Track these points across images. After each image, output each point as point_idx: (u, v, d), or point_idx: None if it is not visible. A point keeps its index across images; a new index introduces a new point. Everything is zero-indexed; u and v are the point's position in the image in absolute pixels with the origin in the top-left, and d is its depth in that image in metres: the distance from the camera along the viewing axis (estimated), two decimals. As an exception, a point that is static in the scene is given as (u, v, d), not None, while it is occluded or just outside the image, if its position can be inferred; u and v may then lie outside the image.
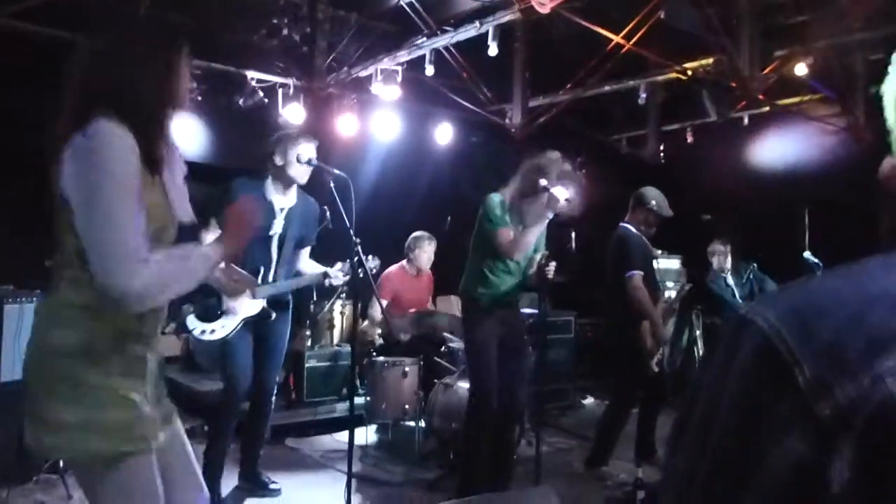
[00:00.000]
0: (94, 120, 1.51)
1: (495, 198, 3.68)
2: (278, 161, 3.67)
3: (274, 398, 4.03)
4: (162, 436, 1.67)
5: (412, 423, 4.71)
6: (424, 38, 5.63)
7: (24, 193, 1.59)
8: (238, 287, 3.40)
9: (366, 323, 5.62)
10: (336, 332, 5.89)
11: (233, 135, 6.37)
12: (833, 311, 0.52)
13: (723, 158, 7.38)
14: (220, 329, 3.59)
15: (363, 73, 6.22)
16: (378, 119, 6.67)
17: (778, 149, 7.02)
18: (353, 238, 3.32)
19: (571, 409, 6.32)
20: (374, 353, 5.10)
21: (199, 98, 5.83)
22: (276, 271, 3.73)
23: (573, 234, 4.15)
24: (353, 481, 3.40)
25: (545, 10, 4.67)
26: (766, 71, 5.60)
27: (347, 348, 5.57)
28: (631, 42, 5.49)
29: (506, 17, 5.14)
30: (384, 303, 4.94)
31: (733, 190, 6.87)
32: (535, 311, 4.85)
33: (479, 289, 3.73)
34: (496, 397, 3.65)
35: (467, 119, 7.25)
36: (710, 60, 5.75)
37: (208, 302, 3.57)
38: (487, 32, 5.24)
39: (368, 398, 4.87)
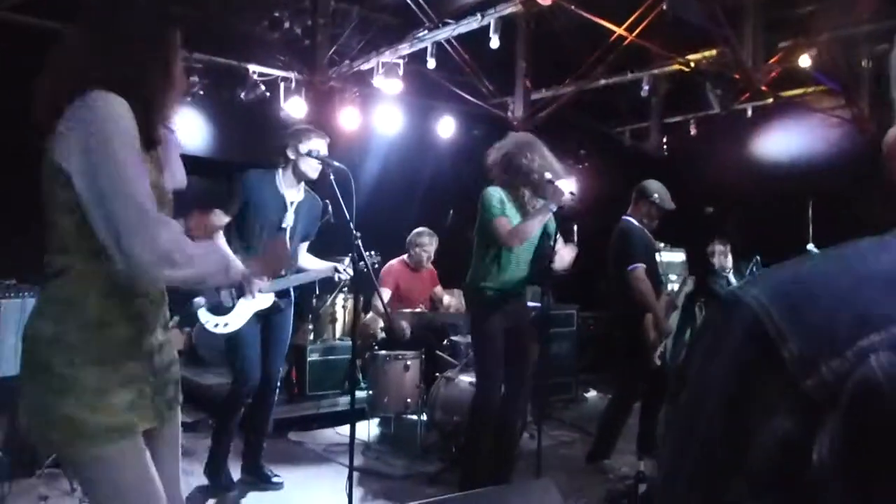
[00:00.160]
0: (90, 92, 1.48)
1: (493, 190, 3.67)
2: (291, 155, 3.71)
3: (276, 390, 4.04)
4: (156, 424, 1.65)
5: (414, 417, 4.72)
6: (426, 31, 5.61)
7: (25, 188, 1.57)
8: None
9: (369, 316, 5.63)
10: (338, 327, 5.90)
11: (234, 129, 6.37)
12: (823, 291, 0.52)
13: (726, 151, 7.36)
14: (233, 322, 3.61)
15: (365, 67, 6.21)
16: (380, 112, 6.66)
17: (782, 141, 7.00)
18: (354, 232, 3.32)
19: (574, 403, 6.32)
20: (377, 347, 5.10)
21: (202, 92, 5.82)
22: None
23: (575, 227, 4.14)
24: (355, 475, 3.41)
25: (547, 2, 4.66)
26: (769, 63, 5.57)
27: (349, 342, 5.58)
28: (634, 34, 5.47)
29: (507, 9, 5.13)
30: (386, 296, 4.94)
31: (737, 182, 6.85)
32: (538, 304, 4.84)
33: (484, 281, 3.71)
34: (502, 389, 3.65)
35: (469, 112, 7.24)
36: (714, 52, 5.73)
37: (220, 294, 3.59)
38: (489, 25, 5.22)
39: (370, 392, 4.87)
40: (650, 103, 7.69)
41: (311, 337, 5.68)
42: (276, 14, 6.06)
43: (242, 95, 6.13)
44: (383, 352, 4.88)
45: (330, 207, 3.99)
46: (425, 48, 5.74)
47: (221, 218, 3.47)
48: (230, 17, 5.92)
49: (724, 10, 5.31)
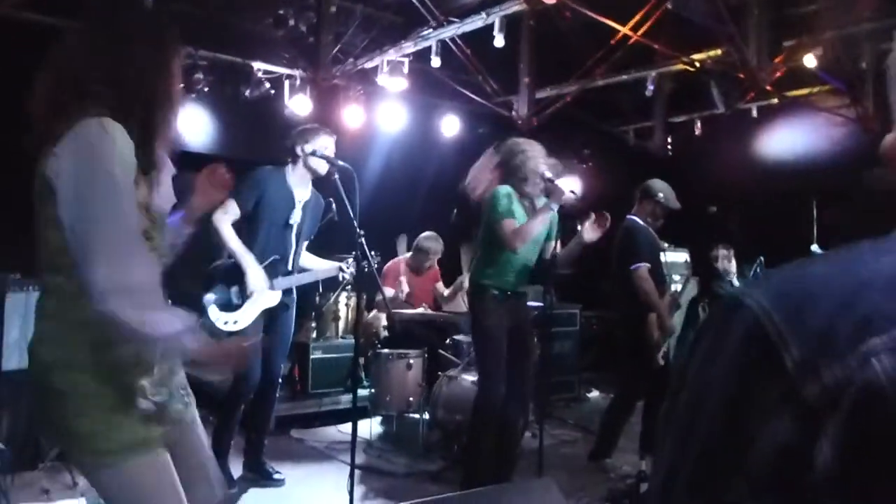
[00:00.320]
0: (88, 116, 1.47)
1: (502, 189, 3.68)
2: (300, 153, 3.73)
3: (278, 387, 4.05)
4: (171, 431, 1.66)
5: (416, 415, 4.72)
6: (430, 30, 5.60)
7: (28, 183, 1.57)
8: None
9: (373, 313, 5.63)
10: (341, 324, 5.90)
11: (239, 126, 6.37)
12: (824, 295, 0.51)
13: (731, 150, 7.33)
14: (242, 319, 3.63)
15: (369, 65, 6.20)
16: (384, 111, 6.65)
17: (786, 140, 6.97)
18: (357, 230, 3.33)
19: (576, 402, 6.32)
20: (380, 345, 5.10)
21: (206, 89, 5.82)
22: (293, 261, 3.81)
23: (579, 226, 4.13)
24: (357, 472, 3.42)
25: (551, 1, 4.64)
26: (774, 62, 5.55)
27: (352, 340, 5.58)
28: (638, 33, 5.45)
29: (512, 7, 5.11)
30: (389, 293, 4.94)
31: (741, 182, 6.82)
32: (541, 303, 4.83)
33: (487, 279, 3.72)
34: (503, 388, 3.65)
35: (473, 111, 7.22)
36: (719, 51, 5.71)
37: (230, 292, 3.61)
38: (493, 23, 5.20)
39: (373, 390, 4.87)
40: (654, 102, 7.64)
41: (314, 335, 5.68)
42: (281, 12, 6.05)
43: (247, 93, 6.12)
44: (386, 350, 4.88)
45: (333, 206, 4.01)
46: (430, 46, 5.73)
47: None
48: (234, 15, 5.92)
49: (728, 9, 5.29)
